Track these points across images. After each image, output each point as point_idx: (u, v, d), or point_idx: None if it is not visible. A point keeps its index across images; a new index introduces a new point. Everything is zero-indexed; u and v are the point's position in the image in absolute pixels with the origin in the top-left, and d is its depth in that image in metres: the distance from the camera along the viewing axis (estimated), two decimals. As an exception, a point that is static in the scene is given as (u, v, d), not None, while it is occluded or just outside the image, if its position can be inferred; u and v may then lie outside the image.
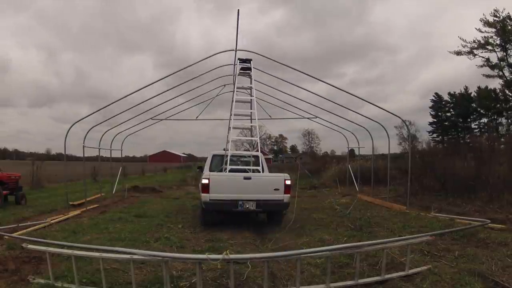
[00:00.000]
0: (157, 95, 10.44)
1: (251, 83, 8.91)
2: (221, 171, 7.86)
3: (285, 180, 6.54)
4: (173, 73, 9.23)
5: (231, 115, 8.22)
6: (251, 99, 8.77)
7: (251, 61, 8.94)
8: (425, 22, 64.91)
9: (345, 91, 9.95)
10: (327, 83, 10.10)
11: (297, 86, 11.29)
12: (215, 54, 9.16)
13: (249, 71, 8.96)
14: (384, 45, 65.14)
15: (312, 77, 10.00)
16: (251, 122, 8.99)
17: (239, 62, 8.93)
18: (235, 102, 8.53)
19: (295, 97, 12.50)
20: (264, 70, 10.31)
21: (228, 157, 7.46)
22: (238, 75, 9.08)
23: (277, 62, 9.36)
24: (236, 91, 8.81)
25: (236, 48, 8.45)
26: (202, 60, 9.22)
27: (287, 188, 6.53)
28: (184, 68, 9.28)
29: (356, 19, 68.85)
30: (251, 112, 8.74)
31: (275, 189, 6.48)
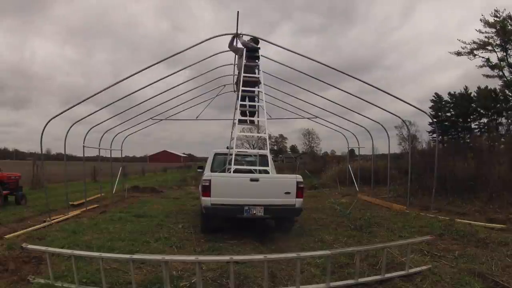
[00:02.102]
0: (158, 94, 10.46)
1: (258, 73, 7.95)
2: (224, 171, 7.17)
3: (297, 182, 5.79)
4: (174, 73, 9.21)
5: (236, 109, 7.33)
6: (258, 92, 7.91)
7: (259, 50, 8.10)
8: (425, 25, 65.17)
9: (350, 93, 10.19)
10: (334, 87, 10.37)
11: (304, 89, 11.37)
12: (215, 54, 9.12)
13: (257, 60, 8.04)
14: (389, 62, 67.01)
15: (320, 80, 9.95)
16: (258, 116, 7.98)
17: (246, 51, 7.95)
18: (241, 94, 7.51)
19: (302, 100, 12.55)
20: (269, 73, 10.42)
21: (233, 156, 6.58)
22: (245, 64, 8.03)
23: (284, 65, 9.42)
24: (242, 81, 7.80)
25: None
26: (203, 60, 9.22)
27: (300, 191, 5.79)
28: (185, 68, 9.27)
29: (369, 44, 70.22)
30: (258, 106, 7.91)
31: (286, 193, 5.74)
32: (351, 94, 10.14)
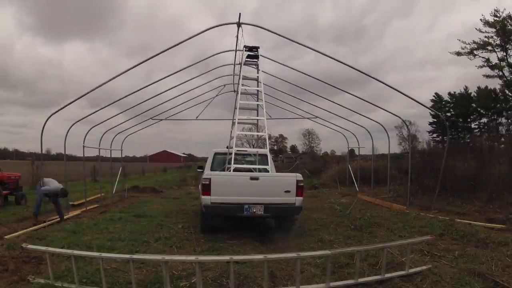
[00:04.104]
0: (158, 95, 10.48)
1: (258, 73, 8.13)
2: (223, 170, 7.24)
3: (297, 180, 5.78)
4: (174, 73, 9.20)
5: (235, 108, 7.32)
6: (257, 91, 8.00)
7: (259, 49, 8.19)
8: (424, 23, 65.53)
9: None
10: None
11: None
12: (215, 55, 9.14)
13: (256, 60, 8.24)
14: (390, 71, 69.47)
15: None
16: (257, 116, 8.03)
17: (245, 50, 8.18)
18: (240, 94, 7.64)
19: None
20: (270, 73, 10.70)
21: (232, 155, 6.61)
22: (244, 64, 8.35)
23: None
24: (242, 83, 8.06)
25: (236, 48, 8.42)
26: (202, 60, 9.24)
27: (300, 190, 5.78)
28: (184, 68, 9.27)
29: (376, 57, 72.77)
30: (257, 105, 7.95)
31: (285, 191, 5.72)
32: (358, 97, 10.40)
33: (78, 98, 7.66)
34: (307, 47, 8.19)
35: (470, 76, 58.62)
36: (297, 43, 7.94)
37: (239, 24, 7.41)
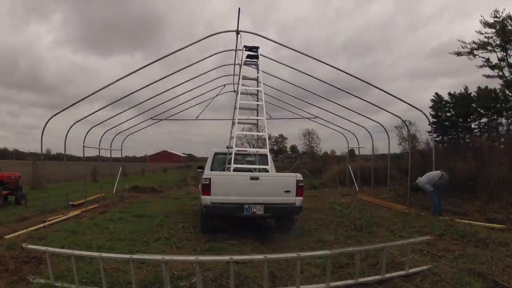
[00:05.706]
0: (158, 95, 10.47)
1: (257, 73, 8.15)
2: (223, 170, 7.33)
3: (297, 180, 5.79)
4: (175, 72, 9.17)
5: (235, 108, 7.29)
6: (257, 91, 8.00)
7: (258, 49, 8.19)
8: (424, 22, 65.70)
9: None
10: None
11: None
12: (214, 54, 9.12)
13: (256, 60, 8.23)
14: (392, 75, 70.42)
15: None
16: (257, 116, 8.03)
17: (245, 50, 8.18)
18: (240, 94, 7.62)
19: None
20: (269, 73, 10.64)
21: (232, 155, 6.62)
22: (244, 64, 8.38)
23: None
24: (242, 83, 8.08)
25: (236, 48, 8.41)
26: (202, 60, 9.22)
27: (300, 190, 5.78)
28: (185, 68, 9.25)
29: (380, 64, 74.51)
30: (257, 105, 7.96)
31: (285, 191, 5.73)
32: (363, 99, 10.42)
33: (80, 101, 7.94)
34: (303, 53, 8.41)
35: (470, 76, 59.10)
36: (293, 49, 8.16)
37: (237, 32, 7.55)
